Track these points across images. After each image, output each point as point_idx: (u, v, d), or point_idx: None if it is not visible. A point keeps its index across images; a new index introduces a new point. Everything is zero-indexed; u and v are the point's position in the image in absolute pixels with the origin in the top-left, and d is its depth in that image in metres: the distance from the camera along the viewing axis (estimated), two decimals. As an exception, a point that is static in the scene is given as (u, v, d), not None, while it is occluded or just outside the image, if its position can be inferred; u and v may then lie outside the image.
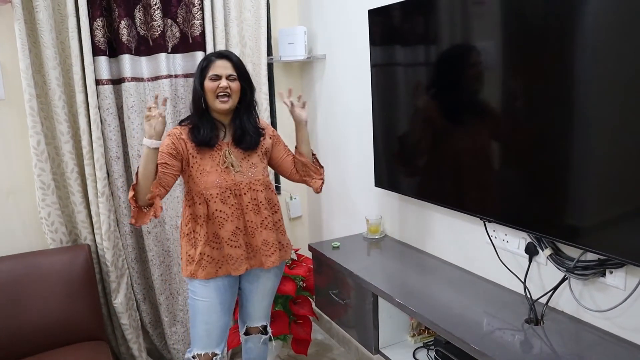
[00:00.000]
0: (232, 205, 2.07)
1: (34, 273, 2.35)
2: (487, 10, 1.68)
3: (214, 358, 2.16)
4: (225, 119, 2.10)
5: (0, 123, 2.42)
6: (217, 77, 2.00)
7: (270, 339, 2.41)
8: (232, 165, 2.07)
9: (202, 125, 2.04)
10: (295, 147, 2.25)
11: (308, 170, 2.25)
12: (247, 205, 2.09)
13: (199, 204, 2.06)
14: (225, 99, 2.02)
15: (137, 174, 1.92)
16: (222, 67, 2.02)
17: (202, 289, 2.12)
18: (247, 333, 2.38)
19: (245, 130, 2.10)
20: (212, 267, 2.10)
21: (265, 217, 2.14)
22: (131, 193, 1.93)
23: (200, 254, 2.08)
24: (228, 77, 2.02)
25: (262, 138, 2.16)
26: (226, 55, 2.06)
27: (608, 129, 1.35)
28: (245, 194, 2.09)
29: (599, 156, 1.38)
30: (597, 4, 1.33)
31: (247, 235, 2.13)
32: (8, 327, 2.26)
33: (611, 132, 1.34)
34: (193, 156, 2.05)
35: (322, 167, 2.31)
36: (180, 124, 2.13)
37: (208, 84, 2.00)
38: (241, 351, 2.50)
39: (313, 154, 2.29)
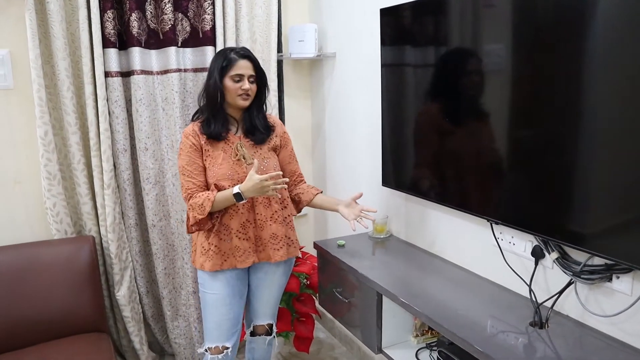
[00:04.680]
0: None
1: (38, 263, 2.36)
2: (498, 12, 1.67)
3: (225, 351, 2.17)
4: (238, 113, 2.13)
5: (9, 112, 2.43)
6: (240, 78, 2.03)
7: (274, 337, 2.40)
8: (244, 158, 2.09)
9: (214, 120, 2.07)
10: (315, 193, 2.27)
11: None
12: (257, 198, 2.10)
13: None
14: (246, 97, 2.06)
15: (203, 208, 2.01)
16: (244, 68, 2.04)
17: (210, 282, 2.14)
18: (253, 333, 2.36)
19: (255, 124, 2.12)
20: (217, 258, 2.11)
21: (276, 211, 2.15)
22: (193, 222, 2.08)
23: (209, 243, 2.11)
24: (249, 79, 2.05)
25: (271, 134, 2.18)
26: (248, 55, 2.08)
27: (617, 132, 1.34)
28: None
29: (607, 160, 1.37)
30: (608, 7, 1.32)
31: (256, 229, 2.13)
32: (10, 317, 2.26)
33: (620, 136, 1.33)
34: (206, 149, 2.08)
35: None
36: (192, 119, 2.18)
37: (230, 84, 2.03)
38: (245, 347, 2.49)
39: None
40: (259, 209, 2.12)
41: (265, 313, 2.33)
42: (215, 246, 2.11)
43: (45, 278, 2.35)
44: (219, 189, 2.05)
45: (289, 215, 2.23)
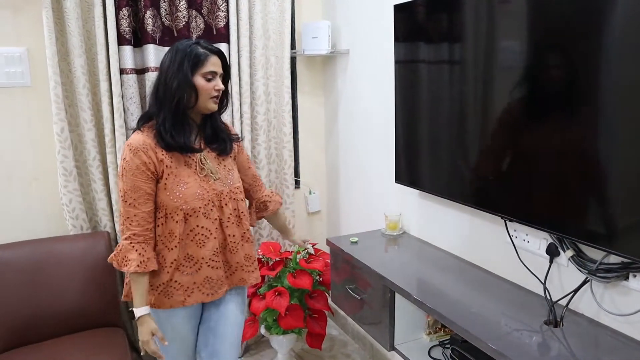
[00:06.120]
0: (215, 219, 1.80)
1: (54, 258, 2.39)
2: (514, 8, 1.65)
3: None
4: (198, 119, 1.83)
5: (26, 109, 2.46)
6: (212, 77, 1.75)
7: None
8: (212, 172, 1.80)
9: (182, 128, 1.74)
10: (280, 202, 2.15)
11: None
12: (229, 218, 1.84)
13: (176, 221, 1.74)
14: (217, 99, 1.79)
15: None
16: (217, 65, 1.76)
17: (168, 320, 1.84)
18: None
19: (218, 132, 1.86)
20: (179, 294, 1.79)
21: (247, 229, 1.92)
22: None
23: (167, 281, 1.77)
24: (220, 77, 1.79)
25: (233, 142, 1.94)
26: (219, 51, 1.79)
27: (636, 128, 1.32)
28: (226, 204, 1.83)
29: (625, 157, 1.36)
30: None
31: (226, 253, 1.87)
32: (27, 311, 2.29)
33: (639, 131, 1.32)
34: (168, 166, 1.73)
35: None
36: (139, 126, 1.78)
37: (203, 84, 1.72)
38: (253, 345, 2.48)
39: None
40: (231, 230, 1.85)
41: (234, 353, 1.94)
42: (177, 282, 1.78)
43: (61, 273, 2.37)
44: (186, 214, 1.74)
45: (249, 230, 1.97)
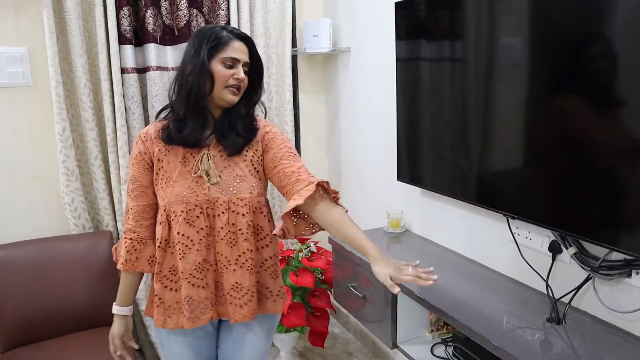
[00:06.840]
0: (202, 229, 1.54)
1: (57, 258, 2.39)
2: (515, 5, 1.65)
3: None
4: (218, 112, 1.59)
5: (27, 109, 2.46)
6: (233, 64, 1.52)
7: None
8: (207, 175, 1.55)
9: (193, 119, 1.53)
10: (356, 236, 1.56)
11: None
12: (219, 232, 1.56)
13: (159, 223, 1.57)
14: (237, 90, 1.54)
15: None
16: (240, 52, 1.53)
17: (167, 340, 1.66)
18: None
19: (233, 125, 1.57)
20: (160, 313, 1.60)
21: (244, 252, 1.57)
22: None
23: (152, 292, 1.63)
24: (243, 66, 1.55)
25: (251, 140, 1.59)
26: (246, 37, 1.57)
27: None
28: (220, 215, 1.55)
29: (627, 153, 1.35)
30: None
31: (217, 273, 1.60)
32: (31, 310, 2.30)
33: (642, 129, 1.31)
34: (159, 160, 1.56)
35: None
36: (159, 117, 1.62)
37: (220, 69, 1.50)
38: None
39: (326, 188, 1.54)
40: (220, 247, 1.57)
41: None
42: (157, 296, 1.59)
43: (64, 272, 2.38)
44: (169, 216, 1.54)
45: (271, 258, 1.65)
